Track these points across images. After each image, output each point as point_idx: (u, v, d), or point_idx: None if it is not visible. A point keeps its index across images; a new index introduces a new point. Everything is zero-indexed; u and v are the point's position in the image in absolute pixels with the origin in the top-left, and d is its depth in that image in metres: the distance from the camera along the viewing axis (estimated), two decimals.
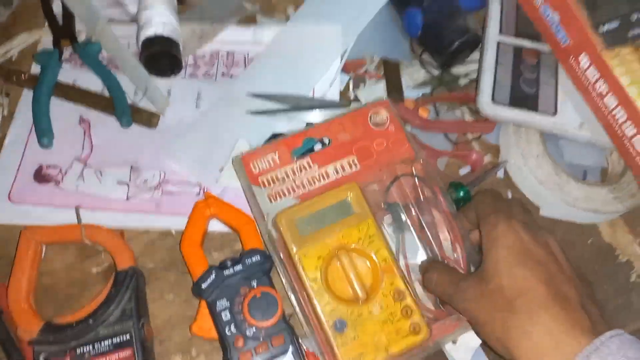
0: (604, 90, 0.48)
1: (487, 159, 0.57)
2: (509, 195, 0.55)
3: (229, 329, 0.43)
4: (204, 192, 0.51)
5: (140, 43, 0.53)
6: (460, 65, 0.61)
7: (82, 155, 0.52)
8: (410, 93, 0.59)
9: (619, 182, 0.53)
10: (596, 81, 0.49)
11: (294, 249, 0.44)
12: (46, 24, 0.57)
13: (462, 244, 0.46)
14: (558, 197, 0.52)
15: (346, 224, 0.46)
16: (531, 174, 0.53)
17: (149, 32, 0.53)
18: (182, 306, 0.47)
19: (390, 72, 0.59)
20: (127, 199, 0.51)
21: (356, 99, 0.58)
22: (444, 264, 0.45)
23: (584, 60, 0.49)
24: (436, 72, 0.60)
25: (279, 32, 0.58)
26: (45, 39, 0.57)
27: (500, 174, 0.56)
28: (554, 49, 0.54)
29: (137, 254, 0.49)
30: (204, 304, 0.44)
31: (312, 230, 0.46)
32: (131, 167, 0.52)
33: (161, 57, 0.53)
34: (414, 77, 0.60)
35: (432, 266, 0.44)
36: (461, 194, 0.51)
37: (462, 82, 0.61)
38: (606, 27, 0.49)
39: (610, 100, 0.48)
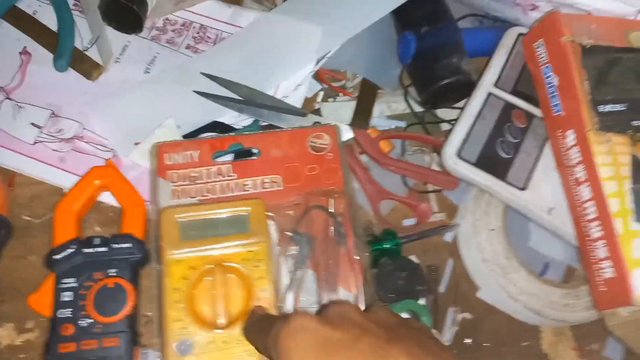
0: (582, 177, 0.40)
1: (440, 217, 0.50)
2: (450, 264, 0.47)
3: (63, 312, 0.38)
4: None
5: None
6: (448, 109, 0.54)
7: (9, 86, 0.49)
8: (382, 122, 0.53)
9: (579, 288, 0.44)
10: (576, 164, 0.41)
11: (167, 251, 0.39)
12: None
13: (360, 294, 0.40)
14: (499, 283, 0.44)
15: (235, 241, 0.40)
16: (477, 247, 0.45)
17: None
18: (41, 273, 0.42)
19: (365, 95, 0.53)
20: (34, 143, 0.47)
21: (318, 112, 0.52)
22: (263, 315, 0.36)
23: (570, 137, 0.42)
24: (418, 109, 0.53)
25: (259, 18, 0.54)
26: None
27: (448, 237, 0.49)
28: (545, 115, 0.46)
29: (17, 203, 0.45)
30: (52, 276, 0.39)
31: (196, 236, 0.40)
32: (52, 112, 0.48)
33: (123, 10, 0.50)
34: (392, 107, 0.54)
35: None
36: (388, 245, 0.44)
37: (445, 127, 0.54)
38: (608, 108, 0.41)
39: (585, 191, 0.40)
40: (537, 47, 0.46)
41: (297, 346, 0.26)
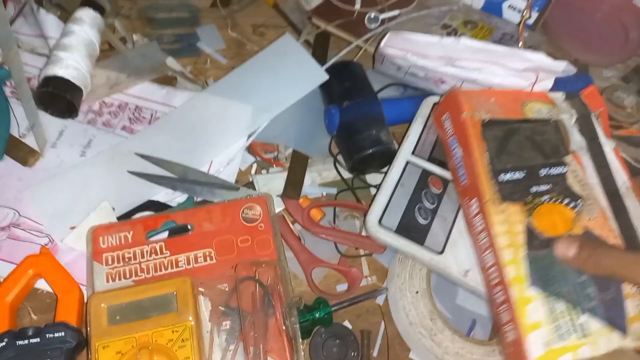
0: (485, 244, 0.43)
1: (373, 280, 0.52)
2: (383, 327, 0.50)
3: None
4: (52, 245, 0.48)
5: (40, 79, 0.52)
6: (376, 174, 0.57)
7: None
8: (313, 190, 0.56)
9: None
10: (480, 232, 0.44)
11: (94, 339, 0.41)
12: None
13: None
14: (426, 346, 0.47)
15: (161, 321, 0.42)
16: (404, 310, 0.48)
17: (51, 71, 0.51)
18: None
19: (296, 165, 0.56)
20: None
21: (252, 185, 0.55)
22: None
23: (474, 205, 0.45)
24: (347, 176, 0.57)
25: (191, 98, 0.57)
26: None
27: (380, 300, 0.51)
28: (455, 184, 0.50)
29: None
30: None
31: (123, 320, 0.42)
32: None
33: (56, 97, 0.52)
34: (323, 175, 0.57)
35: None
36: (319, 314, 0.46)
37: (374, 191, 0.57)
38: (508, 177, 0.45)
39: (488, 257, 0.43)
40: (444, 120, 0.50)
41: None
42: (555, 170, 0.47)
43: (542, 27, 0.69)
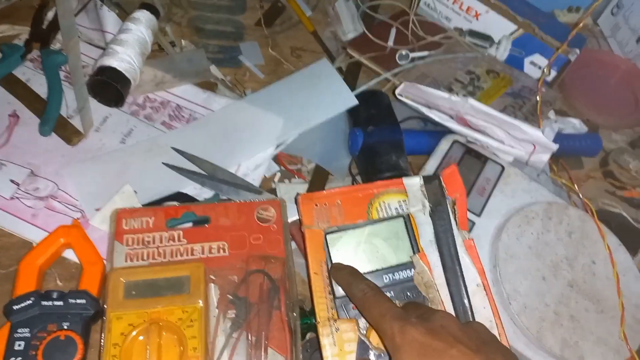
0: None
1: None
2: None
3: None
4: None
5: (94, 67, 0.57)
6: None
7: None
8: None
9: None
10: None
11: (110, 308, 0.44)
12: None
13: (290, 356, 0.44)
14: None
15: (173, 301, 0.45)
16: None
17: (106, 62, 0.56)
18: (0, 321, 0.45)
19: (317, 180, 0.60)
20: (11, 198, 0.51)
21: (274, 192, 0.58)
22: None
23: None
24: None
25: (229, 105, 0.61)
26: (23, 36, 0.61)
27: None
28: None
29: None
30: (7, 325, 0.43)
31: (138, 296, 0.45)
32: (31, 171, 0.53)
33: (108, 86, 0.56)
34: None
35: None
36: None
37: None
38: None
39: None
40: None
41: (405, 345, 0.36)
42: (399, 275, 0.47)
43: (558, 85, 0.74)
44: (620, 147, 0.74)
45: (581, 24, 0.66)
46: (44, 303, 0.44)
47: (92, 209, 0.52)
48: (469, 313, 0.46)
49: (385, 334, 0.38)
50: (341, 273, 0.46)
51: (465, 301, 0.46)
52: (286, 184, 0.59)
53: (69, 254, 0.50)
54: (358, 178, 0.61)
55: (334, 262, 0.47)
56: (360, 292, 0.42)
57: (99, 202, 0.52)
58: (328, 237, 0.48)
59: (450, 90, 0.67)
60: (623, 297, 0.52)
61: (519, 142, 0.57)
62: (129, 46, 0.58)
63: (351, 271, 0.45)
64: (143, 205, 0.53)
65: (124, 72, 0.56)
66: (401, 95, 0.60)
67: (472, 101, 0.55)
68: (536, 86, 0.71)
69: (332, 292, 0.46)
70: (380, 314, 0.39)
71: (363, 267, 0.47)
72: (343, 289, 0.45)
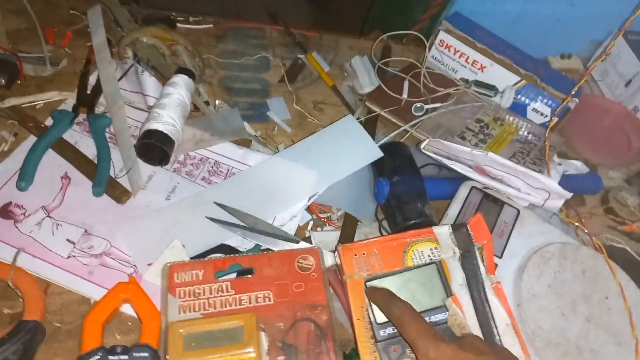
0: None
1: None
2: None
3: None
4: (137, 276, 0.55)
5: (142, 130, 0.61)
6: None
7: (50, 206, 0.57)
8: None
9: None
10: None
11: None
12: (76, 89, 0.66)
13: None
14: None
15: (230, 350, 0.48)
16: None
17: (152, 125, 0.60)
18: None
19: (347, 227, 0.64)
20: (68, 257, 0.55)
21: (309, 240, 0.62)
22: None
23: None
24: None
25: (264, 160, 0.66)
26: (70, 101, 0.66)
27: None
28: None
29: (51, 309, 0.51)
30: None
31: (197, 347, 0.48)
32: (85, 231, 0.57)
33: (154, 148, 0.60)
34: (368, 237, 0.65)
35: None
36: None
37: None
38: (387, 332, 0.50)
39: None
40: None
41: (437, 358, 0.42)
42: (435, 317, 0.50)
43: (559, 130, 0.81)
44: (618, 185, 0.80)
45: (582, 80, 0.72)
46: (111, 357, 0.46)
47: (144, 264, 0.56)
48: None
49: (420, 351, 0.43)
50: (379, 294, 0.50)
51: (497, 340, 0.50)
52: (319, 232, 0.64)
53: (124, 308, 0.53)
54: (384, 223, 0.66)
55: (374, 308, 0.51)
56: (398, 311, 0.47)
57: (149, 257, 0.56)
58: (367, 284, 0.52)
59: (463, 138, 0.73)
60: (636, 330, 0.57)
61: (534, 189, 0.62)
62: (171, 109, 0.62)
63: (388, 292, 0.50)
64: (191, 258, 0.57)
65: (169, 134, 0.61)
66: (425, 149, 0.65)
67: (491, 155, 0.61)
68: (539, 131, 0.77)
69: (374, 336, 0.50)
70: (417, 332, 0.44)
71: None
72: (380, 309, 0.50)
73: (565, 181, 0.73)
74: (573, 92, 0.74)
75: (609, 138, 0.86)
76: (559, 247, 0.61)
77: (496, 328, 0.51)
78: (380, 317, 0.50)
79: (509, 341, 0.51)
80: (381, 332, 0.49)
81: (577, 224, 0.69)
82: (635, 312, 0.59)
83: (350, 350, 0.54)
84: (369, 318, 0.51)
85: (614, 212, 0.76)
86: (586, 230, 0.68)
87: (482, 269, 0.53)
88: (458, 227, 0.56)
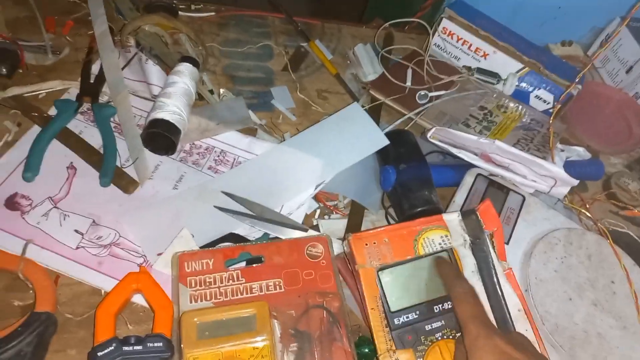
0: None
1: None
2: None
3: None
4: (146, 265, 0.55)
5: (147, 120, 0.61)
6: None
7: (56, 197, 0.57)
8: None
9: None
10: None
11: (186, 350, 0.47)
12: (79, 78, 0.65)
13: None
14: None
15: (244, 339, 0.48)
16: None
17: (158, 114, 0.60)
18: None
19: (354, 215, 0.64)
20: (76, 248, 0.54)
21: (316, 228, 0.63)
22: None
23: None
24: None
25: (270, 149, 0.65)
26: (73, 90, 0.65)
27: None
28: None
29: (62, 301, 0.51)
30: None
31: (210, 336, 0.48)
32: (93, 221, 0.56)
33: (160, 137, 0.60)
34: (375, 224, 0.65)
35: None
36: (366, 349, 0.53)
37: None
38: (402, 320, 0.50)
39: None
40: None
41: (487, 348, 0.42)
42: (448, 305, 0.50)
43: (561, 117, 0.81)
44: (620, 171, 0.80)
45: (587, 68, 0.72)
46: (125, 348, 0.46)
47: (153, 253, 0.55)
48: None
49: (470, 334, 0.44)
50: (448, 268, 0.52)
51: (510, 326, 0.51)
52: (327, 220, 0.64)
53: (135, 298, 0.53)
54: (390, 210, 0.66)
55: (387, 297, 0.51)
56: (461, 289, 0.48)
57: (158, 246, 0.56)
58: (380, 273, 0.52)
59: (467, 126, 0.73)
60: None
61: (540, 177, 0.63)
62: (176, 98, 0.62)
63: (456, 268, 0.52)
64: (200, 247, 0.57)
65: (175, 123, 0.60)
66: (431, 137, 0.65)
67: (498, 142, 0.61)
68: (542, 118, 0.77)
69: (389, 324, 0.50)
70: (472, 314, 0.45)
71: (414, 299, 0.51)
72: (443, 281, 0.51)
73: (569, 167, 0.73)
74: (577, 80, 0.74)
75: (611, 125, 0.86)
76: (565, 232, 0.62)
77: (509, 314, 0.51)
78: (394, 306, 0.50)
79: (522, 326, 0.51)
80: (395, 321, 0.50)
81: (582, 209, 0.69)
82: None
83: (360, 336, 0.54)
84: (383, 307, 0.51)
85: (616, 197, 0.76)
86: (590, 216, 0.68)
87: (494, 255, 0.54)
88: (467, 214, 0.56)
